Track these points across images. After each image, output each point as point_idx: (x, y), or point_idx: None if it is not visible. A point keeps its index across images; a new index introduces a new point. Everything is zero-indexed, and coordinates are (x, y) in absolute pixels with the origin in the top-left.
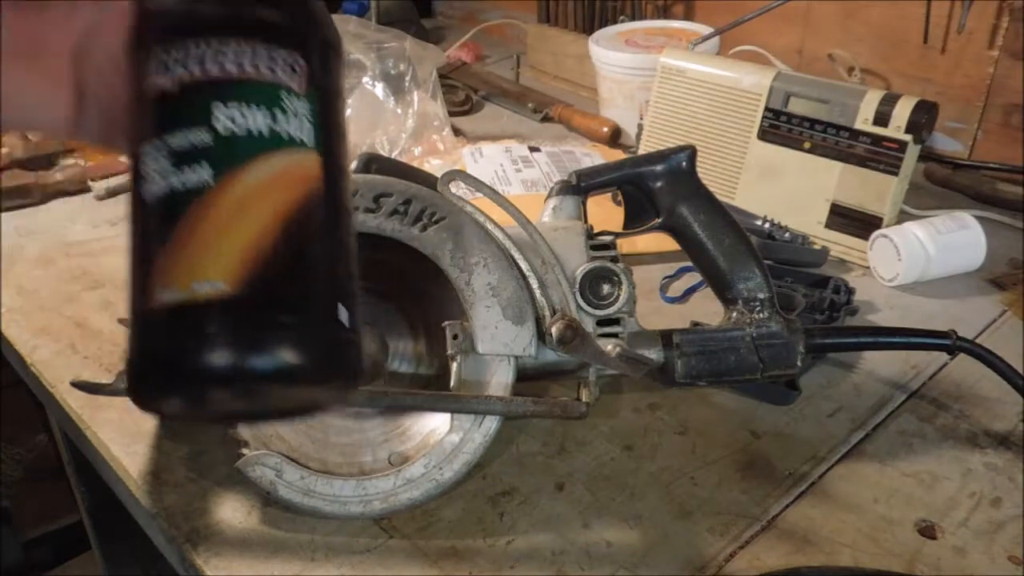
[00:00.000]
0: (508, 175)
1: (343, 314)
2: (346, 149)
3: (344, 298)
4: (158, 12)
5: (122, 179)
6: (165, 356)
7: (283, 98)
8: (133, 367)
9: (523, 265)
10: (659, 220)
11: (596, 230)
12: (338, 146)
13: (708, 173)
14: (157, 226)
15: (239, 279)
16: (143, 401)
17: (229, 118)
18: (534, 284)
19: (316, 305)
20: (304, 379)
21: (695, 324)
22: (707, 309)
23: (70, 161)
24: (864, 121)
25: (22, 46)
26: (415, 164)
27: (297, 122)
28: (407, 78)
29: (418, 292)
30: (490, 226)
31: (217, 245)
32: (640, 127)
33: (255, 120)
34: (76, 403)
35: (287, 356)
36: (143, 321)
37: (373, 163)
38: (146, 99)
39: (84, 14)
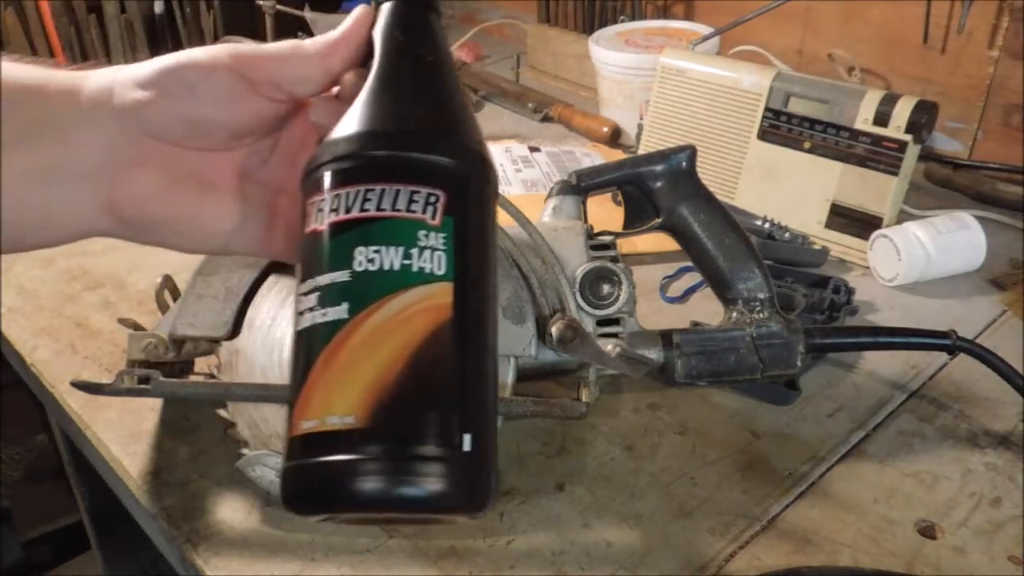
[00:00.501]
0: (508, 175)
1: (467, 442)
2: (487, 266)
3: (470, 424)
4: (312, 159)
5: None
6: (297, 478)
7: (418, 235)
8: (281, 481)
9: (523, 265)
10: (659, 220)
11: (596, 230)
12: (475, 269)
13: (708, 173)
14: (302, 360)
15: (363, 414)
16: (290, 508)
17: (367, 258)
18: (534, 284)
19: (435, 437)
20: (420, 508)
21: (695, 324)
22: (707, 309)
23: None
24: (864, 121)
25: (193, 179)
26: None
27: (430, 255)
28: None
29: None
30: None
31: (345, 381)
32: (640, 127)
33: (389, 260)
34: (76, 403)
35: (400, 488)
36: (289, 444)
37: None
38: (304, 239)
39: (281, 155)
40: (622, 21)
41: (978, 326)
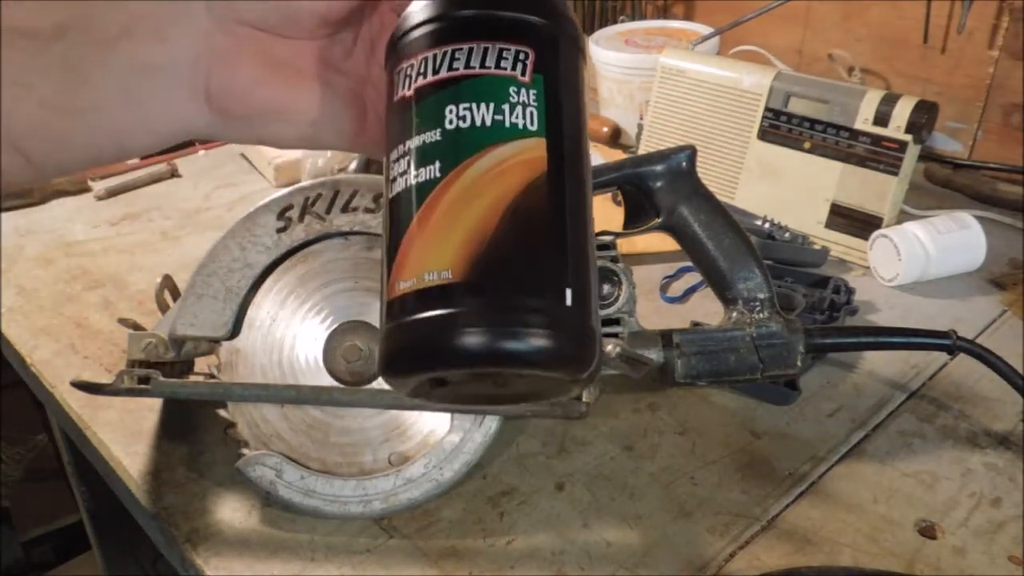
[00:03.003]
0: None
1: (569, 297)
2: (579, 125)
3: (571, 279)
4: (394, 32)
5: (122, 179)
6: (395, 340)
7: (509, 91)
8: (379, 349)
9: None
10: (659, 220)
11: (596, 230)
12: (568, 125)
13: (708, 173)
14: (396, 226)
15: (460, 267)
16: (388, 374)
17: (458, 116)
18: None
19: (536, 290)
20: (523, 362)
21: (695, 324)
22: (707, 309)
23: None
24: (864, 121)
25: (285, 67)
26: None
27: (522, 111)
28: None
29: None
30: None
31: (441, 237)
32: (640, 127)
33: (481, 116)
34: (76, 403)
35: (501, 341)
36: (387, 308)
37: (374, 163)
38: (392, 108)
39: (363, 45)
40: (622, 21)
41: (978, 326)
